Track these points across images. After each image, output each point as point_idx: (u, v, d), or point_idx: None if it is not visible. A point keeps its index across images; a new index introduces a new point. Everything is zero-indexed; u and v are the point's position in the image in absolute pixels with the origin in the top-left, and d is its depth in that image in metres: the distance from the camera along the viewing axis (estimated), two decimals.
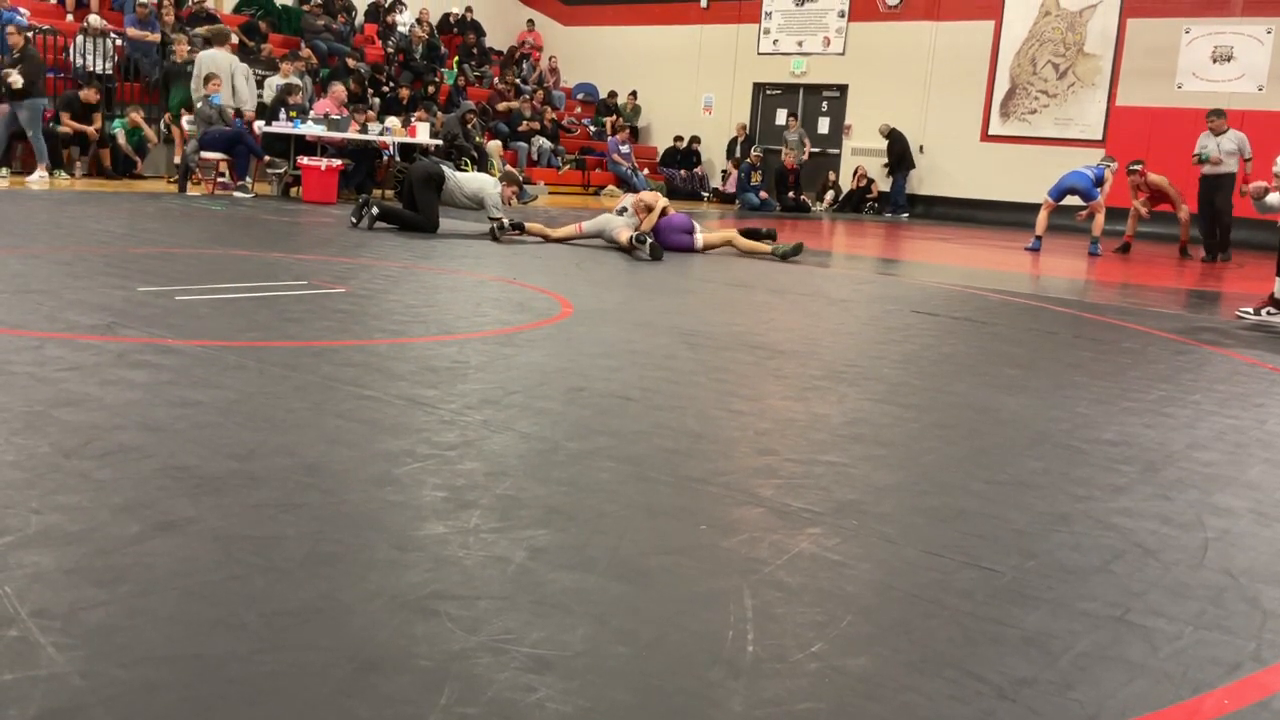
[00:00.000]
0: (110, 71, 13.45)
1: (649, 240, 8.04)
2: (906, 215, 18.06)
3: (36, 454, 2.39)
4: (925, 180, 18.53)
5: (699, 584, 1.95)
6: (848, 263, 9.66)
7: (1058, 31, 17.31)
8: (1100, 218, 12.15)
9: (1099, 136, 16.72)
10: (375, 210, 8.81)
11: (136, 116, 12.87)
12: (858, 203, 18.79)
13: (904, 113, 18.25)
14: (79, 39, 13.22)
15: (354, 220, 8.82)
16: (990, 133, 17.95)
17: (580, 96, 21.73)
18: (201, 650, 1.57)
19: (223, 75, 12.11)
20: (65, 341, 3.59)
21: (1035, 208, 17.35)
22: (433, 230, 8.88)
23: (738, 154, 19.40)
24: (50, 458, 2.37)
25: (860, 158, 19.07)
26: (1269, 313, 6.52)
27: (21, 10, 13.31)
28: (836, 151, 19.50)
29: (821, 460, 2.84)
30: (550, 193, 16.47)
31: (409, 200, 9.08)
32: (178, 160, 12.20)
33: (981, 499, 2.59)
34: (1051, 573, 2.13)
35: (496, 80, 19.25)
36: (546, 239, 8.91)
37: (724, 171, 19.96)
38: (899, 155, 18.09)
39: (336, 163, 11.57)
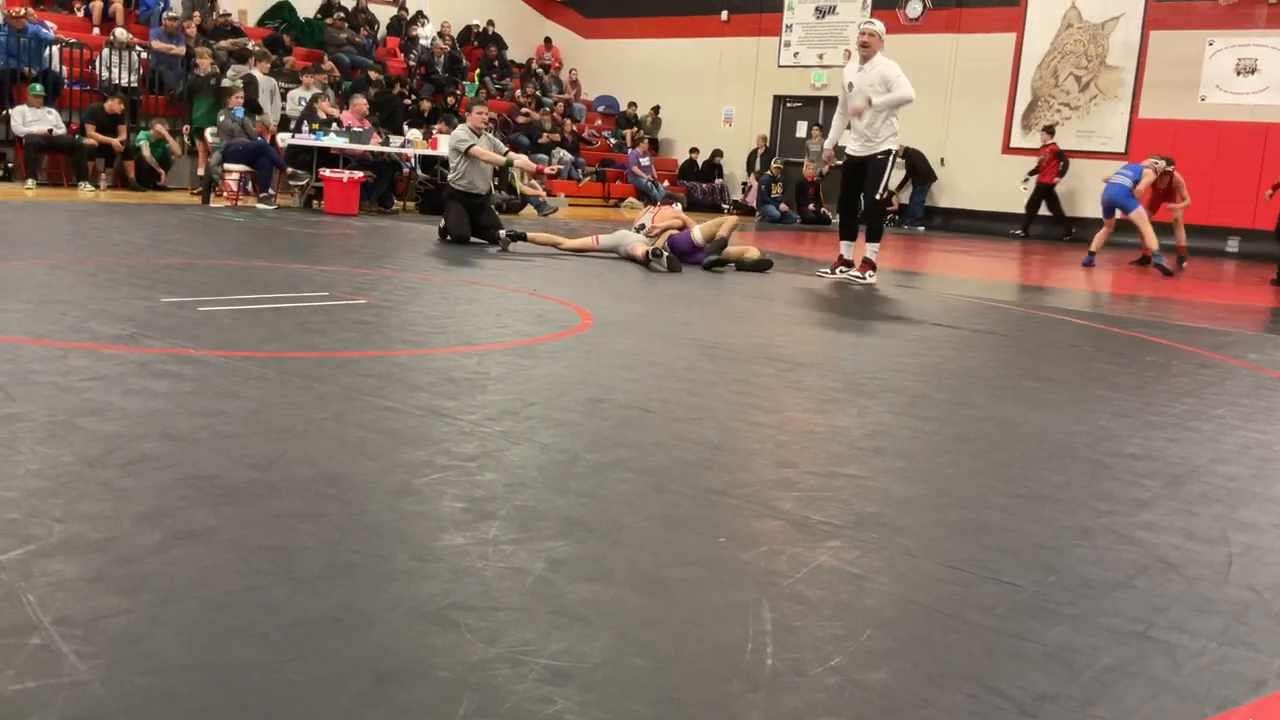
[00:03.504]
0: (135, 84, 13.59)
1: (665, 254, 8.02)
2: (922, 228, 18.00)
3: (60, 463, 2.41)
4: (945, 192, 18.48)
5: (718, 596, 1.95)
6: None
7: (1080, 44, 17.25)
8: (1147, 229, 11.36)
9: (1122, 149, 16.64)
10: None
11: (161, 129, 12.98)
12: None
13: (925, 125, 18.18)
14: (105, 52, 13.36)
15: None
16: (1012, 145, 17.89)
17: (601, 109, 21.79)
18: (222, 659, 1.57)
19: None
20: (89, 351, 3.62)
21: (1057, 220, 17.38)
22: (457, 241, 9.03)
23: (758, 166, 19.40)
24: (73, 467, 2.39)
25: None
26: (841, 271, 8.39)
27: (48, 24, 13.47)
28: None
29: (841, 473, 2.83)
30: (570, 205, 16.51)
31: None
32: (201, 172, 12.30)
33: (1002, 513, 2.57)
34: (1073, 587, 2.11)
35: (518, 93, 19.33)
36: (558, 248, 8.92)
37: (744, 184, 19.96)
38: (915, 170, 18.04)
39: (358, 175, 11.63)
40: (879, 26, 8.23)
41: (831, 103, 19.80)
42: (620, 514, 2.35)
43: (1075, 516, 2.59)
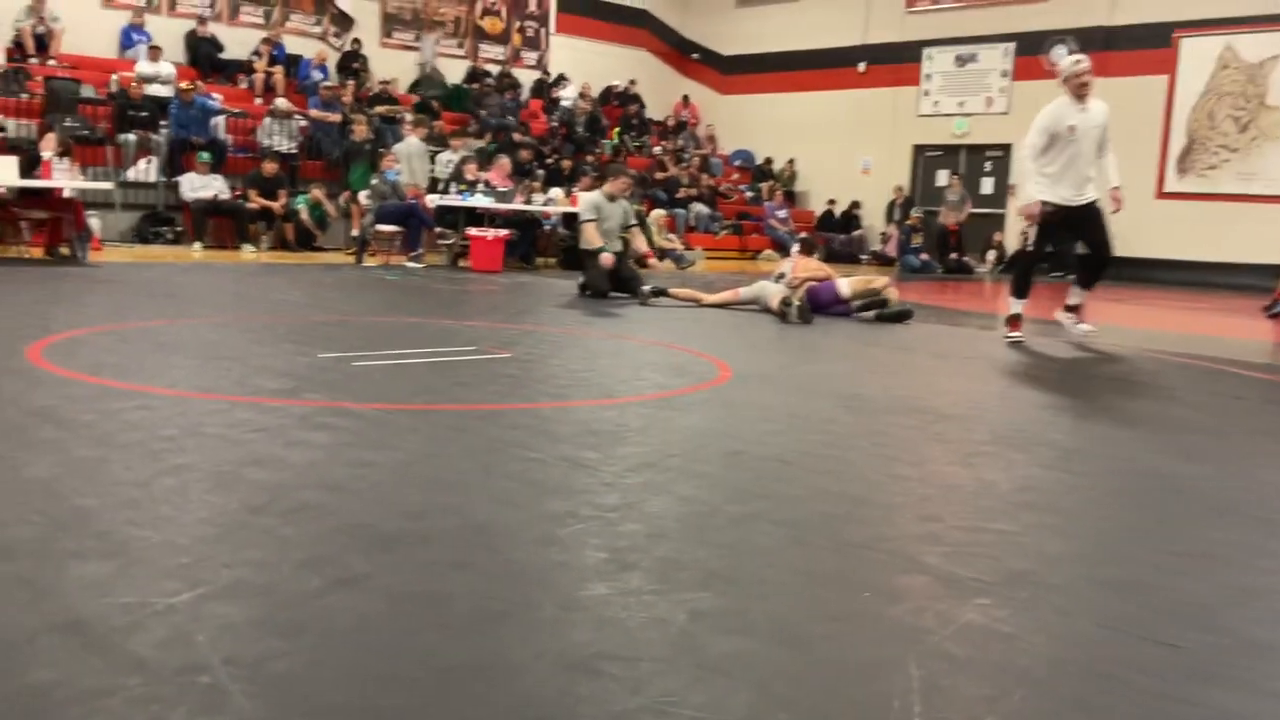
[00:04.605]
0: (294, 150, 14.30)
1: (796, 303, 7.96)
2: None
3: (227, 511, 2.54)
4: None
5: (862, 652, 1.92)
6: None
7: (1237, 84, 16.62)
8: None
9: None
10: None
11: (318, 193, 13.61)
12: None
13: None
14: (266, 120, 14.12)
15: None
16: (1166, 190, 17.28)
17: (737, 163, 21.94)
18: (377, 703, 1.62)
19: (411, 158, 12.88)
20: (253, 405, 3.80)
21: (1217, 267, 16.63)
22: (597, 295, 9.13)
23: (897, 216, 19.20)
24: (239, 515, 2.51)
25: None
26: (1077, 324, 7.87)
27: (214, 95, 14.31)
28: (1001, 211, 19.08)
29: (990, 528, 2.76)
30: (707, 258, 16.60)
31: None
32: (355, 233, 12.83)
33: (1161, 571, 2.47)
34: (1239, 650, 2.01)
35: (656, 149, 19.62)
36: (699, 304, 8.94)
37: (883, 234, 19.78)
38: None
39: (503, 233, 11.96)
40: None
41: (975, 150, 19.55)
42: (761, 567, 2.35)
43: (1240, 575, 2.47)
